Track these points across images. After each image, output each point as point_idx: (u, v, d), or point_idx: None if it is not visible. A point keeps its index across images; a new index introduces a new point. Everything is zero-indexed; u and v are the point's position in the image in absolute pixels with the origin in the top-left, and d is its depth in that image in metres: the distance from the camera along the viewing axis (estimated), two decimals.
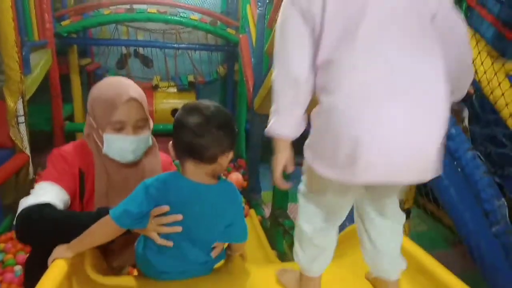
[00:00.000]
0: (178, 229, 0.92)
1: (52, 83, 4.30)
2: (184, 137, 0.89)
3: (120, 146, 1.07)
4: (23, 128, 3.07)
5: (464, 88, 0.83)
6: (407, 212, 2.77)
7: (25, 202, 0.99)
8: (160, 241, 0.92)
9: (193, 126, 0.89)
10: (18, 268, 2.33)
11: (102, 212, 0.95)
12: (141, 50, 5.75)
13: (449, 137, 1.18)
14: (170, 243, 0.93)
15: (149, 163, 1.19)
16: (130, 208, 0.89)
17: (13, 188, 2.88)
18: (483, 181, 1.09)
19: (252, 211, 3.44)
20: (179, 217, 0.92)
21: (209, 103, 0.95)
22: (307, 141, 0.86)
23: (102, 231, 0.92)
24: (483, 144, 1.35)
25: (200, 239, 0.96)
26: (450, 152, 1.19)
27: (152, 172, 1.17)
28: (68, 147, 1.13)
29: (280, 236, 2.77)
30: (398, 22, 0.72)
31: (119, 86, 1.08)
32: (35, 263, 1.09)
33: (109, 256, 1.16)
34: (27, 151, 3.04)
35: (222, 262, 1.09)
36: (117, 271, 1.20)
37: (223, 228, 0.99)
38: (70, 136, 4.62)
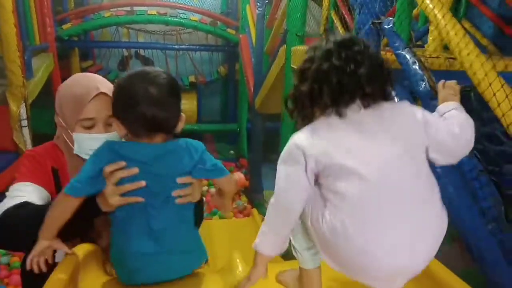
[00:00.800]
0: (141, 184, 0.86)
1: (54, 86, 4.33)
2: (146, 112, 0.83)
3: (91, 145, 0.97)
4: (26, 131, 3.11)
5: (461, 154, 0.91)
6: None
7: (2, 207, 0.96)
8: (124, 200, 0.86)
9: (155, 99, 0.84)
10: None
11: None
12: (142, 51, 5.78)
13: None
14: (139, 199, 0.87)
15: None
16: (79, 176, 0.85)
17: None
18: (479, 180, 1.11)
19: (254, 211, 3.46)
20: (135, 170, 0.85)
21: (156, 70, 0.88)
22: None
23: (60, 207, 0.87)
24: (480, 141, 1.36)
25: (162, 197, 0.90)
26: None
27: None
28: (39, 148, 1.10)
29: None
30: (395, 170, 0.80)
31: (87, 82, 1.03)
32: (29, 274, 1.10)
33: (97, 239, 1.11)
34: None
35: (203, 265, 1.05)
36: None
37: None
38: None
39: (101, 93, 1.00)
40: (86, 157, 1.00)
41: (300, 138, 0.85)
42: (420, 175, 0.82)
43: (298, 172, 0.84)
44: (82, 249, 1.04)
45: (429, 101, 1.25)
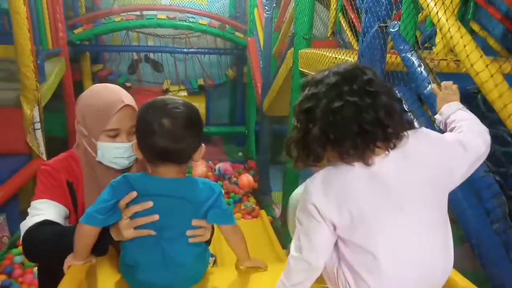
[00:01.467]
0: (155, 218, 0.88)
1: (66, 90, 4.41)
2: (157, 143, 0.85)
3: (116, 153, 1.06)
4: (39, 134, 3.17)
5: None
6: None
7: (25, 226, 1.02)
8: (137, 233, 0.89)
9: (167, 131, 0.85)
10: None
11: None
12: (151, 55, 5.85)
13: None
14: (151, 232, 0.89)
15: (139, 169, 1.19)
16: (96, 206, 0.88)
17: (30, 193, 2.98)
18: (483, 181, 1.11)
19: (263, 212, 3.48)
20: (150, 204, 0.89)
21: (176, 102, 0.89)
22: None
23: (80, 237, 0.92)
24: None
25: (176, 232, 0.92)
26: None
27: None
28: (54, 161, 1.12)
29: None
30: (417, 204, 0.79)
31: (111, 94, 1.07)
32: (45, 274, 1.14)
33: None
34: (44, 157, 3.14)
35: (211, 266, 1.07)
36: None
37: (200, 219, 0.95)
38: None
39: (126, 105, 1.06)
40: (109, 164, 1.07)
41: (315, 196, 0.79)
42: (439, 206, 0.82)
43: (319, 231, 0.80)
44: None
45: (434, 103, 1.26)
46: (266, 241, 2.87)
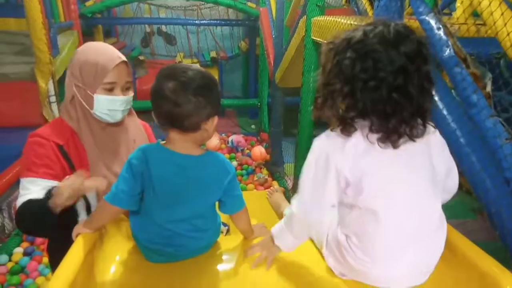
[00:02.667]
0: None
1: None
2: (163, 107, 0.85)
3: (111, 106, 1.12)
4: (55, 107, 3.21)
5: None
6: None
7: (17, 204, 1.08)
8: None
9: (170, 94, 0.84)
10: None
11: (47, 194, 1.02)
12: (164, 27, 5.78)
13: (469, 104, 1.15)
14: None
15: (131, 122, 1.26)
16: (120, 187, 0.90)
17: None
18: (504, 149, 1.07)
19: (275, 183, 3.50)
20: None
21: (186, 67, 0.88)
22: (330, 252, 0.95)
23: (104, 213, 0.96)
24: (507, 110, 1.31)
25: (187, 213, 0.94)
26: (470, 119, 1.16)
27: (135, 129, 1.27)
28: (42, 129, 1.15)
29: None
30: (422, 193, 0.84)
31: (109, 50, 1.14)
32: (55, 247, 1.20)
33: None
34: None
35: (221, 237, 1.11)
36: None
37: (215, 201, 0.97)
38: None
39: (122, 61, 1.13)
40: (103, 116, 1.13)
41: (332, 149, 0.79)
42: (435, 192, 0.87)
43: (328, 184, 0.82)
44: None
45: (453, 68, 1.20)
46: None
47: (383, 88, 0.73)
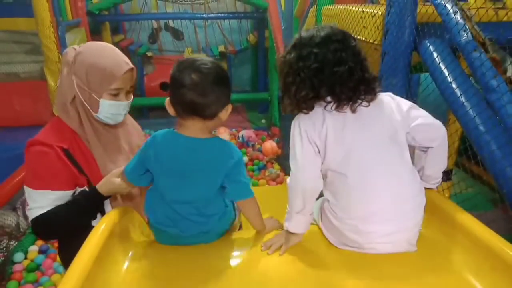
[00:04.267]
0: None
1: None
2: (186, 96, 0.91)
3: (115, 110, 1.15)
4: None
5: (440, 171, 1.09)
6: (448, 173, 2.67)
7: (30, 215, 1.10)
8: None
9: (194, 85, 0.90)
10: None
11: (91, 190, 1.13)
12: (171, 23, 5.76)
13: (489, 89, 1.11)
14: None
15: (128, 120, 1.32)
16: (128, 165, 1.05)
17: None
18: None
19: (287, 178, 3.46)
20: None
21: (205, 60, 0.95)
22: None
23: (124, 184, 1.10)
24: None
25: (191, 195, 0.98)
26: (490, 105, 1.12)
27: (133, 126, 1.34)
28: (43, 135, 1.12)
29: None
30: (380, 147, 0.97)
31: (115, 56, 1.13)
32: (68, 247, 1.21)
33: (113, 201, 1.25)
34: None
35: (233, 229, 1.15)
36: None
37: (217, 185, 0.99)
38: None
39: (130, 69, 1.14)
40: (105, 119, 1.15)
41: (304, 125, 0.98)
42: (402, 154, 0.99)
43: (306, 151, 0.98)
44: (119, 211, 1.09)
45: (472, 53, 1.16)
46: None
47: (325, 67, 0.93)
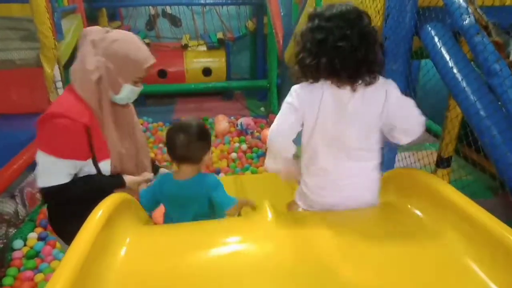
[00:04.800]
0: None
1: None
2: (177, 152, 1.24)
3: (132, 95, 1.30)
4: (61, 93, 3.19)
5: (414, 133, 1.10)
6: (447, 160, 2.67)
7: (49, 182, 1.21)
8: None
9: (182, 144, 1.23)
10: None
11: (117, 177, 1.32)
12: (168, 9, 5.68)
13: (491, 73, 1.09)
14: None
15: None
16: (142, 197, 1.34)
17: None
18: None
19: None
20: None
21: (190, 122, 1.26)
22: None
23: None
24: None
25: (190, 217, 1.29)
26: (492, 90, 1.10)
27: (132, 109, 1.46)
28: (65, 108, 1.18)
29: None
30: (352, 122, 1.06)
31: (144, 49, 1.28)
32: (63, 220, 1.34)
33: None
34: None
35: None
36: None
37: (206, 206, 1.29)
38: None
39: (154, 63, 1.30)
40: (120, 101, 1.29)
41: (299, 90, 1.07)
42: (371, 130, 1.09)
43: (289, 114, 1.08)
44: (117, 197, 1.08)
45: (474, 36, 1.14)
46: (289, 193, 2.87)
47: (329, 40, 0.98)
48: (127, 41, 1.24)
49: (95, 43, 1.20)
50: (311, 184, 1.19)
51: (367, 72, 0.99)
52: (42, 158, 1.19)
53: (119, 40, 1.22)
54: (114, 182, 1.30)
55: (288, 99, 1.09)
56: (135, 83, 1.27)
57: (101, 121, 1.24)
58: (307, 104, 1.04)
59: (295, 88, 1.08)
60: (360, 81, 1.00)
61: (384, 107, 1.03)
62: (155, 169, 1.60)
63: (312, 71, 1.02)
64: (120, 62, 1.21)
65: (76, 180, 1.24)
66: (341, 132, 1.06)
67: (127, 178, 1.33)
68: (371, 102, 1.03)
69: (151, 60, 1.28)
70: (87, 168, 1.26)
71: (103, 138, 1.25)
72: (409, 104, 1.06)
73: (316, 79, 1.03)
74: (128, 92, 1.27)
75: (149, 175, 1.43)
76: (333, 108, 1.04)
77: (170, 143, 1.25)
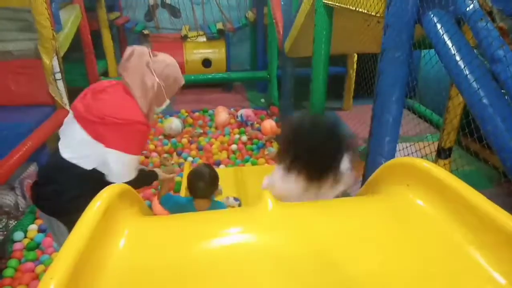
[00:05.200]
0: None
1: (84, 39, 4.35)
2: (197, 192, 1.74)
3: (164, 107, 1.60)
4: (61, 84, 3.17)
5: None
6: (448, 151, 2.65)
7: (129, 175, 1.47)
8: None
9: (201, 187, 1.72)
10: None
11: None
12: None
13: (495, 59, 1.07)
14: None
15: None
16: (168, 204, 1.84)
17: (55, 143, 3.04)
18: None
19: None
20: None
21: (204, 169, 1.76)
22: None
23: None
24: None
25: None
26: (495, 77, 1.08)
27: None
28: (139, 115, 1.44)
29: None
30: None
31: (180, 71, 1.58)
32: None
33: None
34: (67, 107, 3.15)
35: None
36: None
37: None
38: None
39: None
40: (156, 112, 1.58)
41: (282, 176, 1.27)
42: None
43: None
44: (116, 188, 1.07)
45: (478, 22, 1.11)
46: None
47: (304, 153, 1.18)
48: (175, 66, 1.55)
49: (149, 65, 1.46)
50: None
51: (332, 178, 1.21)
52: (123, 158, 1.40)
53: (169, 66, 1.52)
54: (153, 175, 1.70)
55: (277, 174, 1.32)
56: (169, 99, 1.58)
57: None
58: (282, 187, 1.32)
59: (279, 171, 1.30)
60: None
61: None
62: None
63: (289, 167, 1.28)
64: (172, 85, 1.53)
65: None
66: None
67: (159, 172, 1.74)
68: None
69: (183, 81, 1.60)
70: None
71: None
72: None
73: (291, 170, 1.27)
74: (166, 106, 1.58)
75: (176, 170, 1.99)
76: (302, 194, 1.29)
77: (191, 187, 1.76)
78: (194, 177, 1.73)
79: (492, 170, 2.77)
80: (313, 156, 1.16)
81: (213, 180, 1.74)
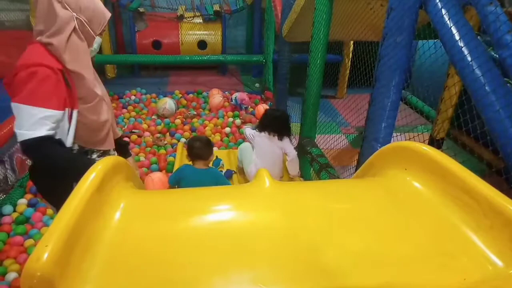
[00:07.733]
0: None
1: None
2: (194, 152, 2.22)
3: (98, 46, 1.42)
4: None
5: None
6: (439, 142, 2.67)
7: (32, 133, 1.15)
8: None
9: (199, 148, 2.21)
10: None
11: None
12: None
13: (501, 45, 1.06)
14: None
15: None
16: (170, 178, 2.33)
17: None
18: None
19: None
20: None
21: (202, 137, 2.34)
22: None
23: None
24: None
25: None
26: (501, 62, 1.08)
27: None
28: (44, 58, 1.18)
29: (308, 163, 2.78)
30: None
31: (102, 3, 1.38)
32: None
33: None
34: None
35: None
36: None
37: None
38: (99, 68, 4.65)
39: None
40: (92, 54, 1.39)
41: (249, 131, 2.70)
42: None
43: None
44: (110, 161, 1.05)
45: (486, 6, 1.10)
46: (284, 169, 2.87)
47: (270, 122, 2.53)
48: None
49: (60, 0, 1.21)
50: None
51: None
52: (21, 110, 1.14)
53: None
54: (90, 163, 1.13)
55: (248, 131, 2.54)
56: (100, 35, 1.39)
57: (74, 73, 1.26)
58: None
59: (250, 129, 2.42)
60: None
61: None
62: (120, 144, 1.66)
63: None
64: (93, 16, 1.31)
65: (59, 143, 1.25)
66: None
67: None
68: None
69: (108, 14, 1.41)
70: (63, 124, 1.25)
71: (83, 87, 1.30)
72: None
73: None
74: (98, 45, 1.41)
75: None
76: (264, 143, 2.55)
77: (190, 149, 2.21)
78: (193, 139, 2.26)
79: (479, 162, 2.81)
80: (273, 124, 2.48)
81: (208, 142, 2.26)
